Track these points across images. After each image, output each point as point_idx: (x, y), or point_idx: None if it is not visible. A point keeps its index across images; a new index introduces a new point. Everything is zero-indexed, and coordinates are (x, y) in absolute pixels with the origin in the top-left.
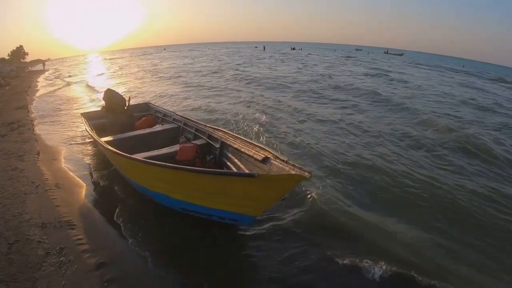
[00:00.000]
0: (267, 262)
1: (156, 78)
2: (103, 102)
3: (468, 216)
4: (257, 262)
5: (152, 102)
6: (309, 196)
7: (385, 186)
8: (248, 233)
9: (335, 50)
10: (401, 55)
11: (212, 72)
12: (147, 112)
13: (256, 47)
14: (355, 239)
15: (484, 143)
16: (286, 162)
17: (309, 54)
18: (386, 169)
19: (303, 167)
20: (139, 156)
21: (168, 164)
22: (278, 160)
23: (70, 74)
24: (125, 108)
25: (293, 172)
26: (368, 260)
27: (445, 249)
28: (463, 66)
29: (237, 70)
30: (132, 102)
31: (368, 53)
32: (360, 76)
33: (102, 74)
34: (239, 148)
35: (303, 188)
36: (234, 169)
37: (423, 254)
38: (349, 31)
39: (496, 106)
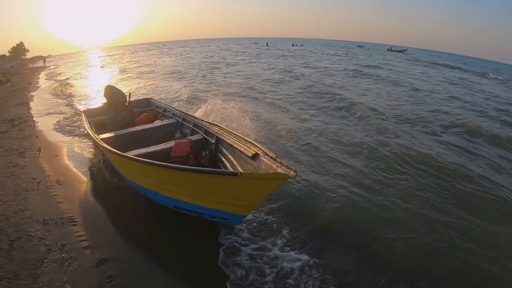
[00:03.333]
0: (262, 262)
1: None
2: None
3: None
4: (252, 262)
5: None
6: (299, 194)
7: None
8: (242, 231)
9: (335, 47)
10: (403, 51)
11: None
12: (147, 108)
13: (256, 43)
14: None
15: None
16: (274, 159)
17: (296, 49)
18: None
19: (289, 165)
20: (136, 152)
21: (155, 162)
22: (267, 157)
23: (60, 72)
24: (126, 104)
25: (279, 170)
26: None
27: None
28: (464, 64)
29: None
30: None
31: (368, 49)
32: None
33: (79, 73)
34: (232, 143)
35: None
36: (228, 165)
37: None
38: (354, 28)
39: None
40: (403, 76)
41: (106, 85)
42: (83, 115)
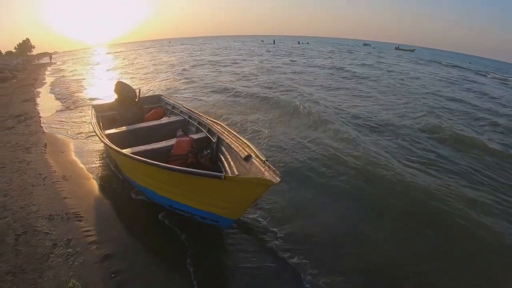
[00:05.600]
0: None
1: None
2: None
3: None
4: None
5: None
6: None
7: None
8: (235, 234)
9: (340, 45)
10: (411, 51)
11: None
12: (157, 104)
13: (262, 41)
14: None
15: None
16: (264, 162)
17: (293, 47)
18: None
19: (276, 171)
20: (137, 149)
21: (147, 160)
22: (258, 159)
23: (63, 69)
24: (136, 100)
25: (266, 175)
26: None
27: None
28: (470, 63)
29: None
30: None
31: (373, 48)
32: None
33: (75, 70)
34: (230, 143)
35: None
36: (226, 165)
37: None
38: (363, 27)
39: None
40: (387, 74)
41: (116, 81)
42: (92, 110)
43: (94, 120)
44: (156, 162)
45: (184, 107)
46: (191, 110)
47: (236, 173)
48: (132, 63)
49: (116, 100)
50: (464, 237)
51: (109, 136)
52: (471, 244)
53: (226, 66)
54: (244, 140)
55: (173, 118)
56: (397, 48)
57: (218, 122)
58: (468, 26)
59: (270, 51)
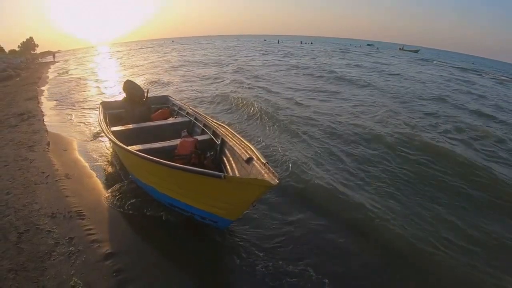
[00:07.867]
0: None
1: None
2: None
3: None
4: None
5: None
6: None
7: None
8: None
9: (343, 45)
10: (416, 51)
11: None
12: (165, 105)
13: (265, 40)
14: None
15: None
16: (265, 164)
17: (286, 46)
18: None
19: (275, 173)
20: (141, 147)
21: (148, 156)
22: (258, 162)
23: (64, 67)
24: (144, 99)
25: (265, 176)
26: None
27: None
28: (472, 64)
29: None
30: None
31: (377, 48)
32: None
33: (77, 68)
34: (233, 146)
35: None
36: (228, 167)
37: None
38: (369, 27)
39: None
40: (384, 76)
41: (125, 79)
42: (100, 106)
43: (101, 117)
44: (157, 159)
45: (190, 108)
46: (197, 112)
47: (238, 175)
48: (127, 63)
49: (124, 98)
50: None
51: (114, 133)
52: None
53: (227, 66)
54: (246, 143)
55: (179, 119)
56: (401, 49)
57: (223, 125)
58: (474, 28)
59: (269, 51)
